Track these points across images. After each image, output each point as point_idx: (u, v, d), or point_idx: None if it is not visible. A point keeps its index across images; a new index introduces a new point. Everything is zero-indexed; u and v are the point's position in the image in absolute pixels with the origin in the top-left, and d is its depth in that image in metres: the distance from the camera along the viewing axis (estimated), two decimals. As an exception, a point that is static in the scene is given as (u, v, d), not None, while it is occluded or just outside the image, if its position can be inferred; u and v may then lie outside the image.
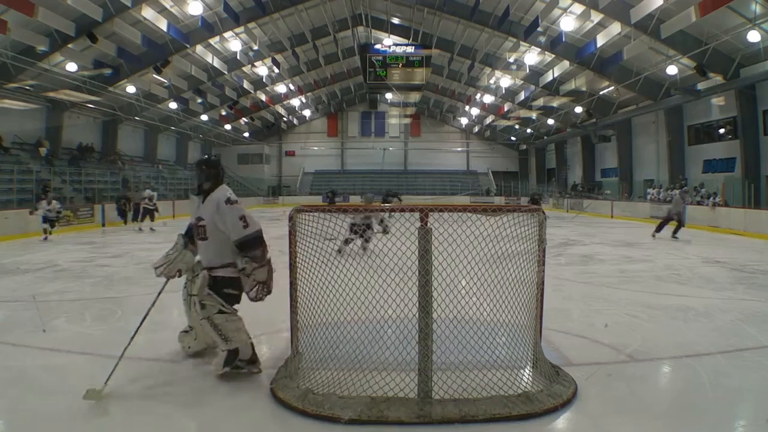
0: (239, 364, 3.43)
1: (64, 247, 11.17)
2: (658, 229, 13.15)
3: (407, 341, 3.16)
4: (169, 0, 19.42)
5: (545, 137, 34.97)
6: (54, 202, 12.78)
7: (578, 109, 26.27)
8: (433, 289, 2.97)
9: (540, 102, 27.84)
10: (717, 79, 17.91)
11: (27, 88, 18.79)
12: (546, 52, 22.82)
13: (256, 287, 3.40)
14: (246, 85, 28.61)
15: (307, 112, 39.14)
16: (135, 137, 28.81)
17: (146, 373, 3.53)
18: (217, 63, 24.28)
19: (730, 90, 17.97)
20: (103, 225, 16.74)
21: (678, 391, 3.40)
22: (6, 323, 4.81)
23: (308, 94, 34.49)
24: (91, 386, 2.99)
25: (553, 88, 25.34)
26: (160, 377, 3.46)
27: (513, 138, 38.20)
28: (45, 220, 12.55)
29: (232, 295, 3.46)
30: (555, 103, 27.31)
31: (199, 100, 27.62)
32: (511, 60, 24.58)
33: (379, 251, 3.19)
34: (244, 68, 26.71)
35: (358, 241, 8.67)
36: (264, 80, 29.29)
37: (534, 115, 30.93)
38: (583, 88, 24.11)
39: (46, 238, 12.46)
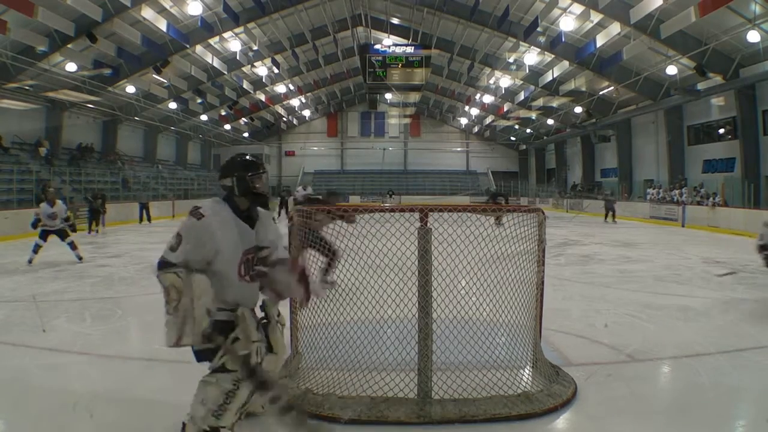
0: None
1: (64, 248, 11.15)
2: None
3: (407, 341, 3.16)
4: (169, 0, 19.42)
5: (545, 137, 34.98)
6: (59, 202, 9.05)
7: (578, 109, 26.28)
8: (432, 289, 2.97)
9: (540, 102, 27.84)
10: (717, 79, 17.91)
11: (27, 88, 18.79)
12: (546, 52, 22.83)
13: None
14: (246, 85, 28.62)
15: (306, 112, 39.16)
16: (135, 137, 28.81)
17: (144, 374, 3.53)
18: (216, 63, 24.28)
19: (730, 90, 17.97)
20: (104, 225, 16.71)
21: (678, 391, 3.40)
22: (6, 323, 4.81)
23: (308, 94, 34.50)
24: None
25: (552, 89, 25.35)
26: (158, 378, 3.46)
27: (513, 138, 38.21)
28: (44, 233, 8.78)
29: None
30: (555, 104, 27.31)
31: (199, 101, 27.62)
32: (511, 60, 24.58)
33: (379, 251, 3.18)
34: (243, 68, 26.71)
35: None
36: (264, 80, 29.29)
37: (534, 115, 30.93)
38: (583, 88, 24.11)
39: (31, 261, 8.63)
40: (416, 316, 3.00)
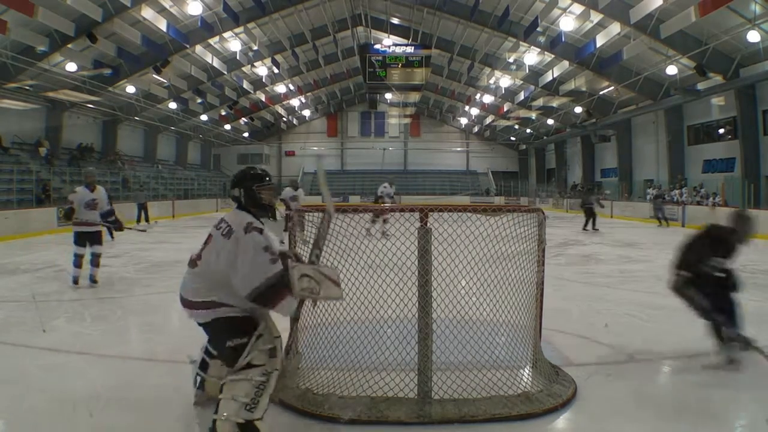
0: None
1: (64, 247, 11.14)
2: None
3: (407, 341, 3.16)
4: (169, 0, 19.42)
5: (545, 137, 34.98)
6: (100, 188, 6.83)
7: (578, 109, 26.27)
8: (432, 289, 2.97)
9: (540, 102, 27.84)
10: (717, 79, 17.90)
11: (27, 88, 18.78)
12: (546, 52, 22.83)
13: None
14: (246, 85, 28.61)
15: (306, 112, 39.15)
16: (135, 137, 28.82)
17: (144, 374, 3.54)
18: (216, 63, 24.28)
19: (730, 90, 17.97)
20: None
21: (678, 391, 3.40)
22: (6, 323, 4.81)
23: (308, 94, 34.49)
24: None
25: (552, 88, 25.34)
26: (158, 378, 3.46)
27: (513, 138, 38.21)
28: (79, 237, 6.55)
29: None
30: (555, 103, 27.31)
31: (199, 100, 27.63)
32: (511, 60, 24.57)
33: (379, 251, 3.18)
34: (243, 68, 26.71)
35: None
36: (264, 80, 29.29)
37: (534, 115, 30.94)
38: (583, 88, 24.10)
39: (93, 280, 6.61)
40: (416, 316, 2.99)
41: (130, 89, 23.37)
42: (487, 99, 31.24)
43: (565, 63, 22.75)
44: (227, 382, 2.42)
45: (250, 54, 25.47)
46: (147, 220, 18.29)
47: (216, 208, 28.48)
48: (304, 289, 2.39)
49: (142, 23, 18.79)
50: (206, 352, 2.90)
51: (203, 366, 2.92)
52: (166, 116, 28.03)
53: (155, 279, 7.32)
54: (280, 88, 31.69)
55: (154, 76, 22.47)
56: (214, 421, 2.38)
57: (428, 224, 2.98)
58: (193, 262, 2.58)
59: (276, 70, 27.30)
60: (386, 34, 27.80)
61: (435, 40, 26.42)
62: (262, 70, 27.39)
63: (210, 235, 2.57)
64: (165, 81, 23.98)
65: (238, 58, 25.22)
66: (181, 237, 13.85)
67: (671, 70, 19.06)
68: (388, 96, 36.95)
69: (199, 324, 2.58)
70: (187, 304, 2.55)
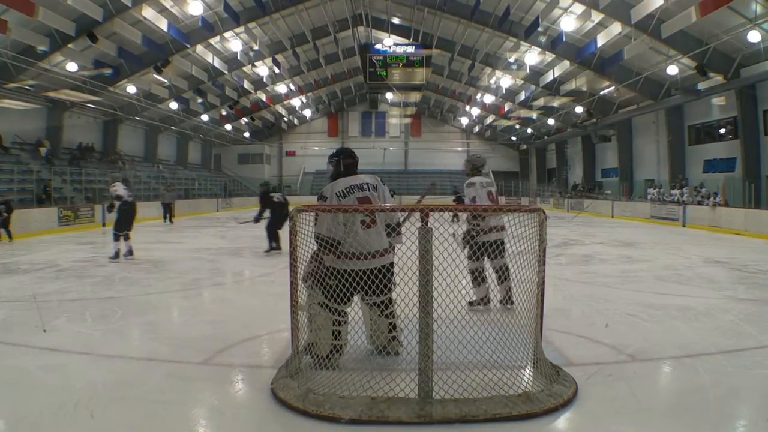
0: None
1: (64, 247, 11.17)
2: None
3: (407, 341, 3.16)
4: (170, 0, 19.43)
5: (546, 137, 34.97)
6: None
7: (579, 109, 26.25)
8: (433, 288, 2.96)
9: (540, 102, 27.83)
10: (717, 79, 17.89)
11: (27, 88, 18.79)
12: (546, 52, 22.82)
13: None
14: (246, 85, 28.62)
15: (307, 112, 39.15)
16: (135, 137, 28.84)
17: (145, 373, 3.53)
18: (217, 63, 24.29)
19: (731, 90, 17.95)
20: (104, 225, 16.72)
21: (678, 391, 3.40)
22: (6, 323, 4.81)
23: (308, 94, 34.50)
24: None
25: (553, 88, 25.34)
26: (158, 378, 3.45)
27: (513, 138, 38.20)
28: None
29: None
30: (555, 103, 27.30)
31: (200, 100, 27.64)
32: (512, 60, 24.58)
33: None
34: (244, 68, 26.72)
35: None
36: (264, 80, 29.30)
37: (534, 115, 30.93)
38: (584, 88, 24.10)
39: None
40: (416, 316, 2.99)
41: (131, 89, 23.39)
42: (488, 99, 31.24)
43: (566, 63, 22.74)
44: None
45: (251, 54, 25.48)
46: (171, 219, 18.33)
47: (216, 208, 28.43)
48: None
49: (142, 23, 18.80)
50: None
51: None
52: (166, 116, 28.05)
53: (155, 279, 7.32)
54: (281, 88, 31.70)
55: (154, 75, 22.48)
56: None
57: (428, 224, 2.98)
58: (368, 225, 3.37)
59: (277, 70, 27.32)
60: (387, 34, 27.80)
61: (436, 39, 26.42)
62: (262, 69, 27.41)
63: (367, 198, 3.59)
64: (166, 81, 23.99)
65: (238, 57, 25.22)
66: (181, 237, 13.85)
67: (672, 70, 19.03)
68: (389, 96, 36.94)
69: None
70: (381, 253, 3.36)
